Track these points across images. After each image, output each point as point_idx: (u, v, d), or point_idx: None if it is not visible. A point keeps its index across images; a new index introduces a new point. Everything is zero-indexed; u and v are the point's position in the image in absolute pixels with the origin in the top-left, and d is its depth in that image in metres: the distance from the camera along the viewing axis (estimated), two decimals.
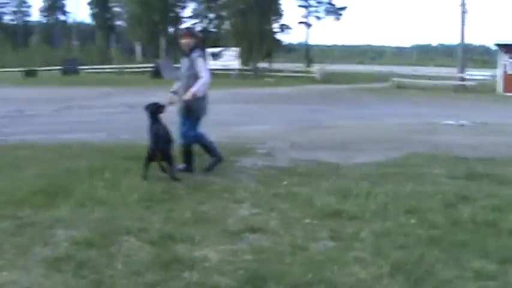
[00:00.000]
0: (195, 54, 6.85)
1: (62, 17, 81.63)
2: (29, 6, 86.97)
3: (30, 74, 42.81)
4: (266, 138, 10.53)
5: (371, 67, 66.27)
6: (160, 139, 6.55)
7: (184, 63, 6.99)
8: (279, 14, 47.68)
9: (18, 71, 50.49)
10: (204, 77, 6.74)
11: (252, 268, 3.82)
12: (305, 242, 4.45)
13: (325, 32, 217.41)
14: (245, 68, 40.80)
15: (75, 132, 10.97)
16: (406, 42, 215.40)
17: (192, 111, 6.84)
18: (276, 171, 7.43)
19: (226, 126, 12.47)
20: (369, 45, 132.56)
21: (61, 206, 5.25)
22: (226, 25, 48.22)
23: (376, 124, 14.25)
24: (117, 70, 47.64)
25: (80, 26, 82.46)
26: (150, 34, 48.17)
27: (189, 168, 7.06)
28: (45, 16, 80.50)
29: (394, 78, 34.22)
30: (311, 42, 59.33)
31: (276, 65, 51.66)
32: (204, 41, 51.03)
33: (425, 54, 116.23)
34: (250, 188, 6.33)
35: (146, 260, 3.95)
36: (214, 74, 38.55)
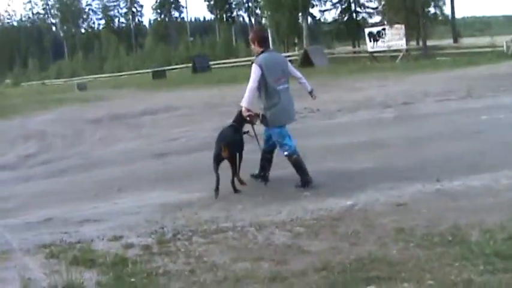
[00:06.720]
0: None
1: (175, 13, 77.83)
2: (141, 6, 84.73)
3: (158, 75, 38.78)
4: None
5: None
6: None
7: None
8: None
9: (144, 72, 46.71)
10: (249, 84, 6.16)
11: None
12: None
13: None
14: (412, 47, 33.60)
15: None
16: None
17: (266, 122, 6.28)
18: None
19: None
20: (473, 17, 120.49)
21: None
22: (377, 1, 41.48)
23: None
24: (250, 63, 42.14)
25: (194, 21, 78.84)
26: (290, 19, 41.79)
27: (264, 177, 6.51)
28: (158, 13, 76.92)
29: None
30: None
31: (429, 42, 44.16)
32: (358, 23, 44.40)
33: None
34: None
35: None
36: (376, 58, 32.43)
